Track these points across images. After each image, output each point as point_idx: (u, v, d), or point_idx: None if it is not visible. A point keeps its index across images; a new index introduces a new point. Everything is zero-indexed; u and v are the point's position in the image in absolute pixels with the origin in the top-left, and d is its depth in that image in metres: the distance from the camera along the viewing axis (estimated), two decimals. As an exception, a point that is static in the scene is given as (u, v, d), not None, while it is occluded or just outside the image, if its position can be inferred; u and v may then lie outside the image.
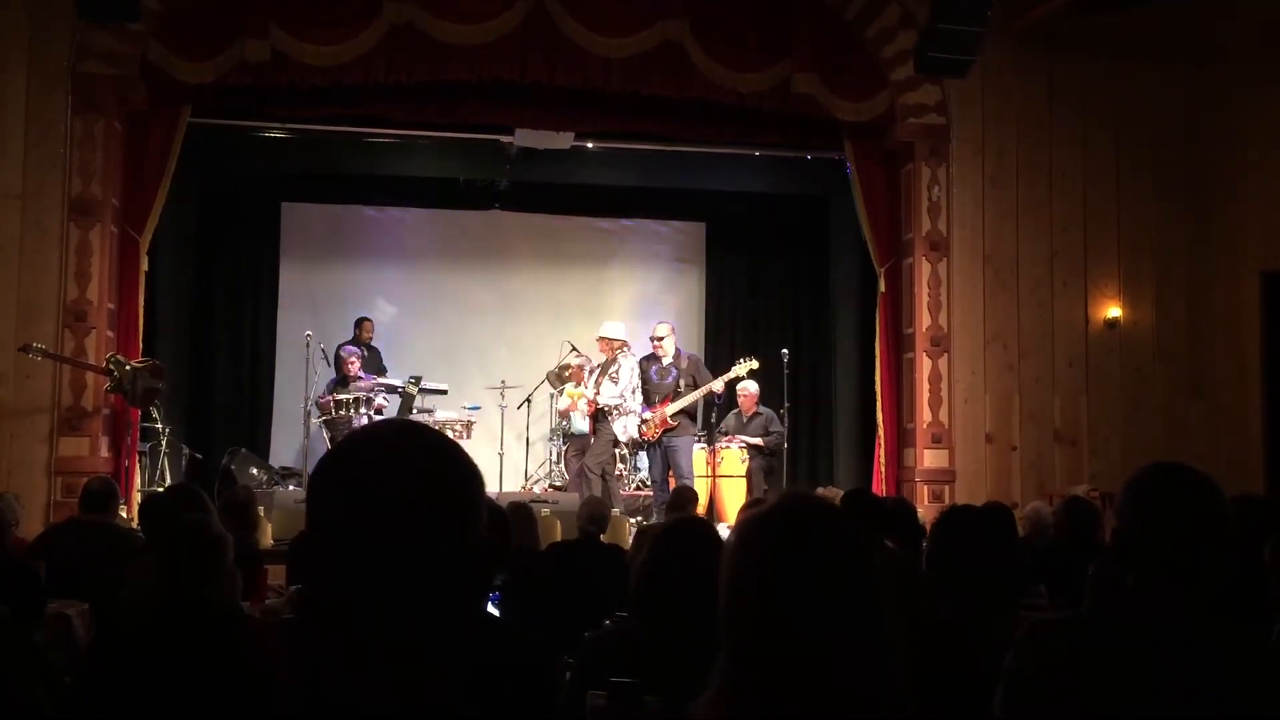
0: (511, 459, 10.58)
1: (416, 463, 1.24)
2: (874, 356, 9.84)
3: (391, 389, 10.36)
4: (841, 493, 7.03)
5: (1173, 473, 2.03)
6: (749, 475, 9.86)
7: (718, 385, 9.34)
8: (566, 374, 10.67)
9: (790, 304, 12.45)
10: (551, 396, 11.07)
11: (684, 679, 1.74)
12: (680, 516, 3.06)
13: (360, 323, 11.07)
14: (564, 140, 10.09)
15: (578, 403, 10.24)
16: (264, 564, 5.77)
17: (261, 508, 8.38)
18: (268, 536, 7.85)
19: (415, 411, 10.45)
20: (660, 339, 9.38)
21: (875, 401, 9.78)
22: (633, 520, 8.89)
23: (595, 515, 5.92)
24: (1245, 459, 9.35)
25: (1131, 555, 1.98)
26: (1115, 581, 2.02)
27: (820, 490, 7.62)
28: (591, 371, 9.75)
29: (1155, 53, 9.73)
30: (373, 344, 11.05)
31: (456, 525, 1.24)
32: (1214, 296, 9.75)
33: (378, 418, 9.69)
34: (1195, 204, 9.80)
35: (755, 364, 9.55)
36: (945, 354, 9.36)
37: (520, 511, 5.66)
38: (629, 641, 2.82)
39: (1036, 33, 9.46)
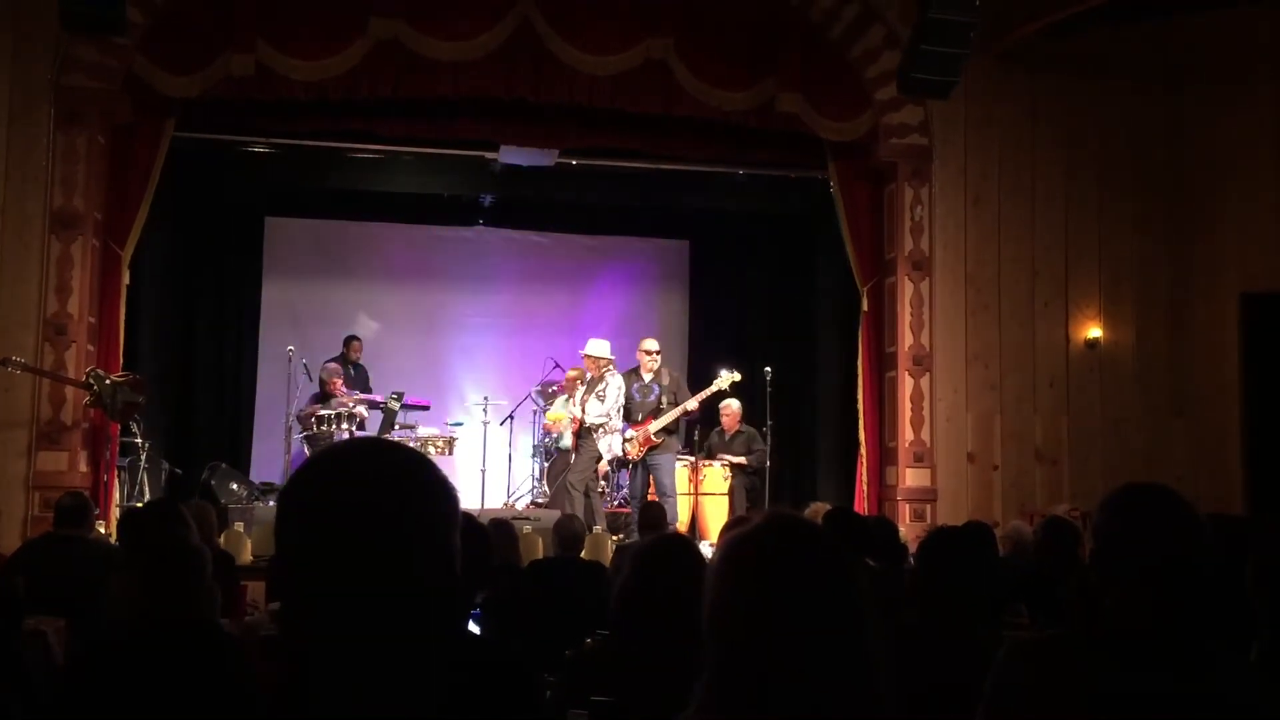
0: (494, 476, 10.55)
1: (386, 480, 1.24)
2: (856, 375, 9.86)
3: (373, 404, 10.32)
4: (828, 508, 7.02)
5: (1146, 492, 2.04)
6: (731, 493, 9.86)
7: (692, 404, 9.31)
8: (551, 390, 10.66)
9: (773, 322, 12.47)
10: (534, 413, 11.06)
11: (666, 696, 1.73)
12: (660, 535, 3.05)
13: (349, 341, 11.02)
14: (548, 157, 10.11)
15: (559, 424, 10.23)
16: (239, 578, 5.77)
17: (241, 523, 8.37)
18: (247, 552, 7.82)
19: (397, 427, 10.42)
20: (652, 352, 9.37)
21: (857, 420, 9.80)
22: (615, 537, 8.88)
23: (567, 538, 5.91)
24: (1225, 478, 9.40)
25: (1108, 575, 1.99)
26: (1095, 600, 2.03)
27: (814, 505, 7.60)
28: (577, 388, 9.74)
29: (1135, 75, 9.82)
30: (360, 363, 11.01)
31: (429, 541, 1.23)
32: (1194, 317, 9.82)
33: (360, 433, 9.66)
34: (1176, 225, 9.88)
35: (738, 376, 9.50)
36: (927, 373, 9.40)
37: (502, 528, 5.65)
38: (610, 660, 2.82)
39: (1018, 55, 9.54)
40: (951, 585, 2.93)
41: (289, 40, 8.51)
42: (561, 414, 10.25)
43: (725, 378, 9.50)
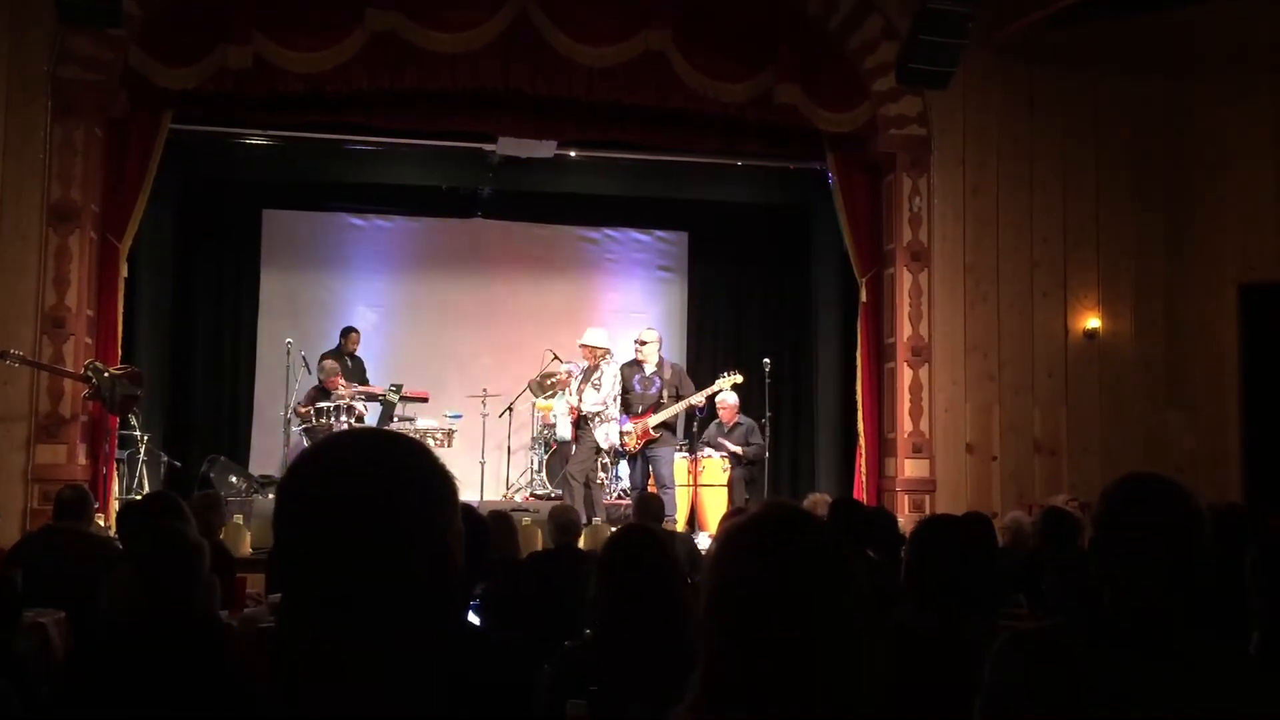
0: (493, 467, 10.56)
1: (384, 469, 1.24)
2: (855, 366, 9.86)
3: (372, 397, 10.32)
4: (828, 499, 7.04)
5: (1146, 483, 2.04)
6: (730, 485, 9.87)
7: (699, 399, 9.34)
8: (549, 382, 10.66)
9: (772, 314, 12.47)
10: (533, 405, 11.07)
11: (662, 687, 1.73)
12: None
13: (346, 333, 11.01)
14: (547, 149, 10.09)
15: (549, 415, 10.24)
16: (236, 570, 5.77)
17: (240, 516, 8.37)
18: (246, 545, 7.82)
19: (396, 419, 10.41)
20: (645, 343, 9.37)
21: (856, 411, 9.80)
22: (614, 528, 8.87)
23: (563, 525, 5.92)
24: (1224, 469, 9.41)
25: (1107, 566, 1.99)
26: (1093, 591, 2.03)
27: (813, 496, 7.61)
28: (574, 378, 9.75)
29: (1134, 66, 9.80)
30: (357, 355, 10.99)
31: (426, 532, 1.23)
32: (1192, 308, 9.81)
33: (358, 425, 9.65)
34: (1174, 216, 9.87)
35: (739, 378, 9.54)
36: (926, 364, 9.40)
37: (500, 520, 5.66)
38: (602, 652, 2.82)
39: (1016, 45, 9.52)
40: (949, 576, 2.92)
41: (286, 32, 8.50)
42: (549, 404, 10.31)
43: (727, 379, 9.54)
